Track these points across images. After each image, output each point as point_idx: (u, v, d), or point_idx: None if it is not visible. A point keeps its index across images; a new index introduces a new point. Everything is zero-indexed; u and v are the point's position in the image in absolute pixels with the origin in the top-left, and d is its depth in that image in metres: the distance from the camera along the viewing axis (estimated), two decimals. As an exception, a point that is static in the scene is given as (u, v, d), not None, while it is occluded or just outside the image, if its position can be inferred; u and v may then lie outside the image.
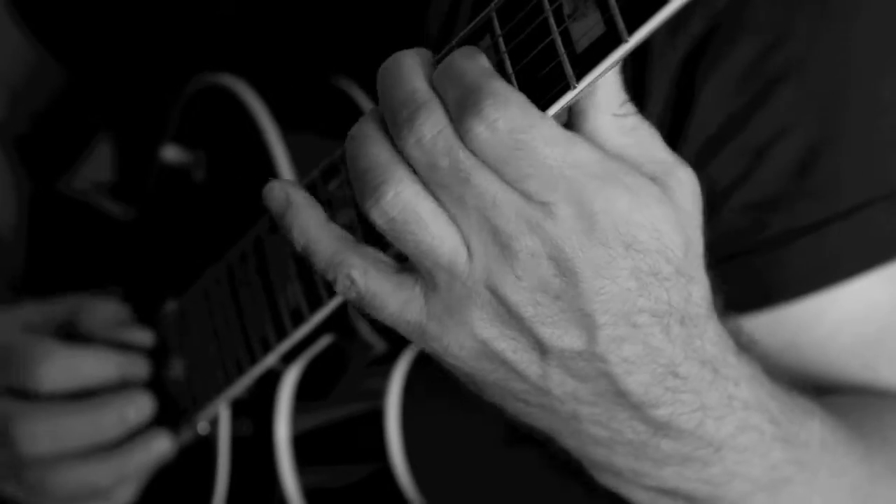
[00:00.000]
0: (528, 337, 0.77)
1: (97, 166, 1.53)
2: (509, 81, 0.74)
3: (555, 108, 0.73)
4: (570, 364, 0.78)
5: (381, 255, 0.79)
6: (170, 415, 1.15)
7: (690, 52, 0.94)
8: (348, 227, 0.88)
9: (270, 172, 1.02)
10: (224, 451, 1.08)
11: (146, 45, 1.26)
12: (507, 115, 0.71)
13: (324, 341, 1.01)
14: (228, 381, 1.04)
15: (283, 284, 0.95)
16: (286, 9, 1.16)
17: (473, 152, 0.72)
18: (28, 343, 1.16)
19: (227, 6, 1.20)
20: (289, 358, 1.02)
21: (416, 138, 0.73)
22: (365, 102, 1.06)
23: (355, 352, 1.04)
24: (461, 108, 0.73)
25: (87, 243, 1.35)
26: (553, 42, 0.72)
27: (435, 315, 0.78)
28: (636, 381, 0.79)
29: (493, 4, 0.76)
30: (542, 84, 0.73)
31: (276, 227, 0.95)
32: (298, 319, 0.95)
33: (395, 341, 1.04)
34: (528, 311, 0.76)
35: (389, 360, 1.05)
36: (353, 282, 0.78)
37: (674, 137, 0.96)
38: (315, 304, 0.93)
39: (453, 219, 0.75)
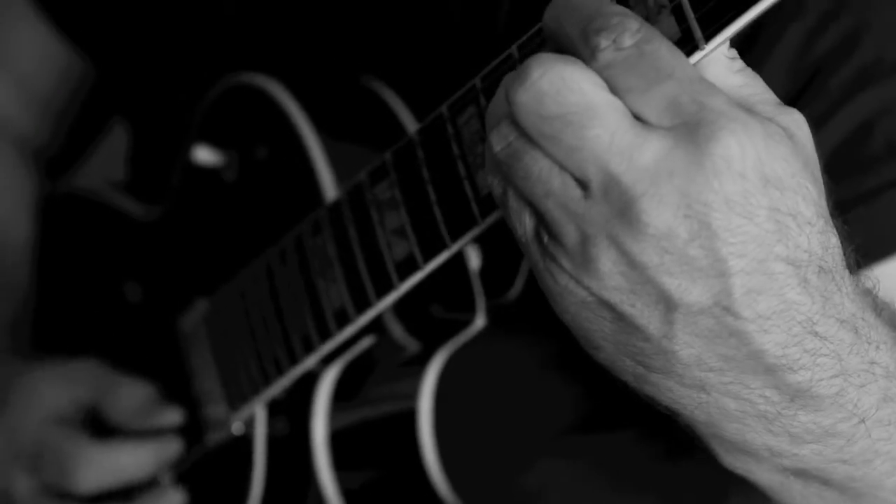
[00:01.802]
0: (651, 289, 0.69)
1: (105, 162, 1.53)
2: None
3: None
4: (698, 321, 0.70)
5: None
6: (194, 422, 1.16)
7: (740, 45, 0.94)
8: (399, 231, 0.89)
9: (308, 175, 1.02)
10: (260, 452, 1.08)
11: (170, 40, 1.26)
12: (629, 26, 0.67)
13: (365, 343, 1.01)
14: (266, 381, 1.04)
15: (327, 285, 0.95)
16: (313, 7, 1.16)
17: (600, 70, 0.68)
18: (63, 443, 1.17)
19: (250, 4, 1.20)
20: (327, 359, 1.02)
21: (519, 86, 0.68)
22: (396, 104, 1.07)
23: (385, 353, 1.05)
24: (584, 34, 0.68)
25: (102, 243, 1.34)
26: None
27: (549, 261, 0.72)
28: (771, 341, 0.71)
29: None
30: None
31: (319, 229, 0.96)
32: (343, 320, 0.95)
33: (428, 342, 1.04)
34: (653, 259, 0.68)
35: (422, 361, 1.05)
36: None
37: None
38: (362, 306, 0.93)
39: (568, 168, 0.69)
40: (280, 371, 1.02)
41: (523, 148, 0.70)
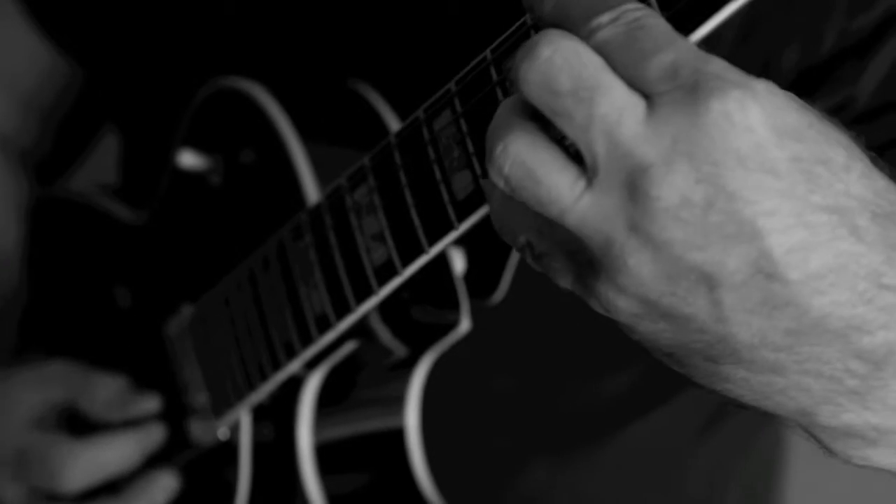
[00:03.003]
0: (685, 270, 0.64)
1: (98, 168, 1.53)
2: None
3: None
4: (745, 295, 0.63)
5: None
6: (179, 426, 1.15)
7: None
8: (378, 236, 0.88)
9: (291, 179, 1.02)
10: (245, 457, 1.08)
11: (159, 45, 1.26)
12: None
13: (347, 347, 1.01)
14: (251, 386, 1.04)
15: (309, 291, 0.95)
16: (299, 10, 1.15)
17: (599, 45, 0.65)
18: (44, 445, 1.17)
19: (236, 7, 1.20)
20: (311, 364, 1.02)
21: (530, 63, 0.65)
22: (382, 107, 1.06)
23: (372, 357, 1.04)
24: (586, 17, 0.66)
25: (91, 246, 1.34)
26: None
27: (577, 272, 0.68)
28: (833, 302, 0.63)
29: (526, 17, 0.76)
30: None
31: (300, 234, 0.95)
32: (324, 326, 0.95)
33: (416, 346, 1.04)
34: (675, 234, 0.63)
35: (409, 364, 1.05)
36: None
37: None
38: (342, 311, 0.93)
39: (580, 147, 0.65)
40: (264, 376, 1.02)
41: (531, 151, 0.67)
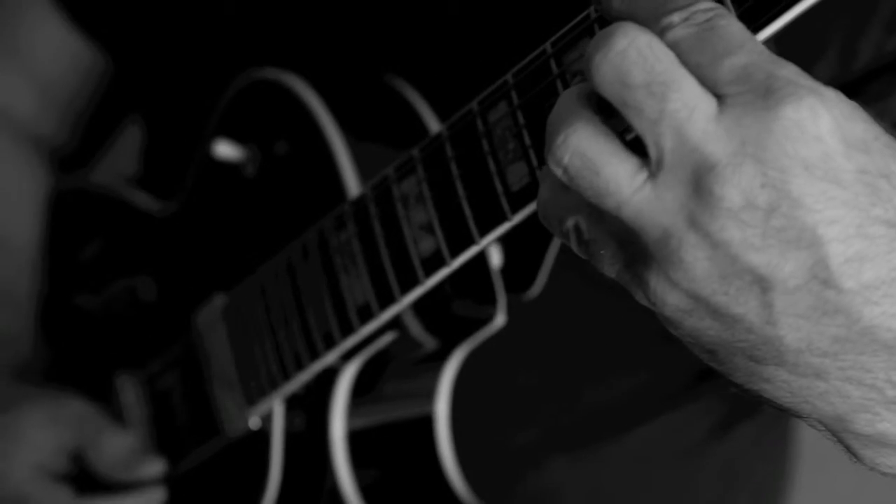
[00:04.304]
0: (740, 270, 0.65)
1: (122, 158, 1.53)
2: None
3: None
4: (798, 300, 0.65)
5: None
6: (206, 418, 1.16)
7: None
8: (426, 226, 0.89)
9: (331, 172, 1.02)
10: (277, 447, 1.08)
11: (187, 35, 1.26)
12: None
13: (386, 338, 1.01)
14: (286, 376, 1.04)
15: (350, 281, 0.96)
16: (333, 3, 1.16)
17: (671, 45, 0.66)
18: (45, 497, 1.17)
19: (270, 1, 1.20)
20: (347, 355, 1.02)
21: (605, 54, 0.66)
22: (419, 103, 1.07)
23: (401, 350, 1.05)
24: (656, 14, 0.67)
25: (115, 237, 1.34)
26: None
27: (630, 267, 0.69)
28: (884, 314, 0.65)
29: (591, 10, 0.77)
30: None
31: (343, 224, 0.96)
32: (366, 316, 0.95)
33: (447, 340, 1.04)
34: (735, 234, 0.64)
35: (440, 358, 1.05)
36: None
37: None
38: (386, 301, 0.93)
39: (646, 140, 0.66)
40: (300, 366, 1.02)
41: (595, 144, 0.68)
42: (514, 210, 0.83)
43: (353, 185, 1.01)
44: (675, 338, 0.72)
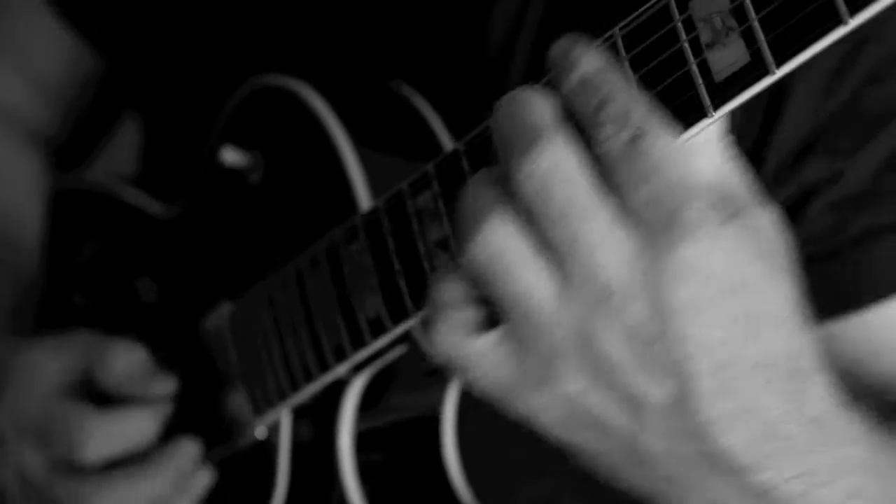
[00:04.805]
0: (619, 389, 0.72)
1: (119, 155, 1.52)
2: None
3: (687, 135, 0.73)
4: (664, 420, 0.73)
5: (467, 315, 0.76)
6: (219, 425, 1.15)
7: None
8: (441, 243, 0.88)
9: (341, 181, 1.01)
10: (284, 457, 1.07)
11: (185, 35, 1.25)
12: (642, 121, 0.71)
13: (396, 351, 1.01)
14: (295, 387, 1.03)
15: (363, 294, 0.95)
16: (333, 9, 1.15)
17: (599, 156, 0.71)
18: (69, 415, 1.15)
19: (269, 2, 1.19)
20: (357, 367, 1.02)
21: (530, 169, 0.72)
22: (426, 110, 1.06)
23: (409, 362, 1.04)
24: (595, 117, 0.72)
25: (114, 238, 1.33)
26: (690, 72, 0.72)
27: (521, 375, 0.75)
28: (735, 441, 0.72)
29: (616, 28, 0.77)
30: (677, 112, 0.73)
31: (354, 236, 0.95)
32: (379, 330, 0.94)
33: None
34: (621, 356, 0.71)
35: (447, 370, 1.05)
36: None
37: (760, 145, 0.94)
38: (399, 317, 0.93)
39: (550, 260, 0.72)
40: (309, 378, 1.01)
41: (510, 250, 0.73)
42: None
43: (363, 196, 1.00)
44: None
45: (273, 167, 1.09)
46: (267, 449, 1.09)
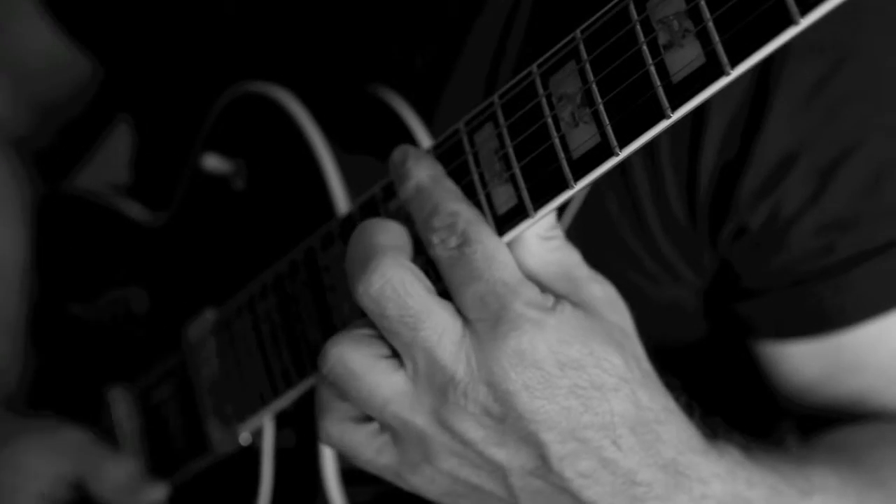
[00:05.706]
0: (485, 460, 0.82)
1: (111, 160, 1.52)
2: (596, 110, 0.75)
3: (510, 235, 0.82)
4: (531, 481, 0.82)
5: (349, 410, 0.86)
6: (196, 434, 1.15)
7: (758, 76, 0.94)
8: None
9: (319, 186, 1.02)
10: (268, 463, 1.07)
11: (176, 41, 1.25)
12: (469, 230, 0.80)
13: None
14: (275, 393, 1.03)
15: (338, 298, 0.95)
16: (319, 14, 1.15)
17: (433, 259, 0.81)
18: None
19: (257, 8, 1.19)
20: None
21: (365, 289, 0.81)
22: (406, 112, 1.06)
23: None
24: (425, 225, 0.82)
25: (103, 246, 1.33)
26: (648, 73, 0.73)
27: (402, 457, 0.84)
28: (596, 494, 0.82)
29: (578, 31, 0.77)
30: (637, 113, 0.74)
31: (331, 241, 0.95)
32: None
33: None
34: (477, 434, 0.81)
35: None
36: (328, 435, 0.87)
37: (740, 162, 0.96)
38: None
39: (399, 361, 0.82)
40: (289, 383, 1.01)
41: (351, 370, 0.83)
42: (502, 233, 0.83)
43: (341, 200, 1.00)
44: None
45: (256, 174, 1.10)
46: (251, 455, 1.09)
